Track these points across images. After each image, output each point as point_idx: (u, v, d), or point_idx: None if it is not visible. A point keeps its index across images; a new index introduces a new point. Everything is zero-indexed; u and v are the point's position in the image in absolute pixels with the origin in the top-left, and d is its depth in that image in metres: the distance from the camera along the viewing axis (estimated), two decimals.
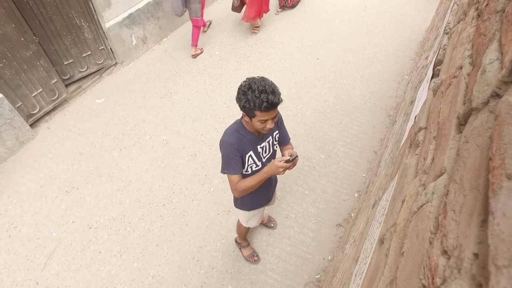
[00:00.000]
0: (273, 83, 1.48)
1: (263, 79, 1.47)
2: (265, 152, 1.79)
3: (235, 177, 1.67)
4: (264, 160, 1.79)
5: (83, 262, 2.60)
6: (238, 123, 1.70)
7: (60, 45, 3.64)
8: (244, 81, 1.48)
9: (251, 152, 1.71)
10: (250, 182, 1.64)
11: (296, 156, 1.58)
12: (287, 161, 1.55)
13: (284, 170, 1.57)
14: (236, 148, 1.63)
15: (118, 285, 2.49)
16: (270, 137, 1.78)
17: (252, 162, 1.74)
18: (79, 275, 2.54)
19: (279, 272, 2.56)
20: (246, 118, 1.57)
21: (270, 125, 1.52)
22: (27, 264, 2.58)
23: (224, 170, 1.68)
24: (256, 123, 1.52)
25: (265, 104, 1.40)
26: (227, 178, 1.75)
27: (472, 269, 0.40)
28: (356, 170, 3.24)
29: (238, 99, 1.50)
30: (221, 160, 1.70)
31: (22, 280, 2.50)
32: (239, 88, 1.49)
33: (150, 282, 2.50)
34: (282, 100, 1.48)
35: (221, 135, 1.70)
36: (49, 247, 2.68)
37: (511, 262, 0.32)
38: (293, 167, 1.61)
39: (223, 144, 1.65)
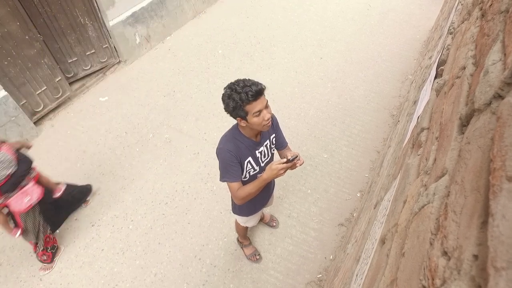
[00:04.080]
0: (251, 79, 1.49)
1: (239, 79, 1.49)
2: (264, 157, 1.78)
3: (235, 185, 1.65)
4: (262, 164, 1.78)
5: (86, 259, 2.62)
6: (234, 129, 1.68)
7: (64, 43, 3.66)
8: (224, 88, 1.51)
9: (249, 158, 1.69)
10: (250, 189, 1.61)
11: (297, 156, 1.55)
12: (287, 161, 1.53)
13: (285, 171, 1.55)
14: (234, 155, 1.60)
15: (120, 283, 2.50)
16: (268, 141, 1.76)
17: (251, 167, 1.72)
18: (81, 272, 2.55)
19: (281, 271, 2.57)
20: (242, 123, 1.55)
21: (266, 115, 1.51)
22: (31, 261, 2.60)
23: (224, 178, 1.66)
24: (253, 119, 1.49)
25: (250, 93, 1.42)
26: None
27: (472, 270, 0.40)
28: (358, 169, 3.24)
29: (227, 106, 1.50)
30: (219, 168, 1.68)
31: (26, 277, 2.52)
32: (223, 97, 1.51)
33: (152, 280, 2.51)
34: (265, 86, 1.49)
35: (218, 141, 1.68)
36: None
37: (510, 264, 0.32)
38: (294, 167, 1.58)
39: (220, 152, 1.63)
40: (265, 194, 2.04)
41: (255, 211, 2.11)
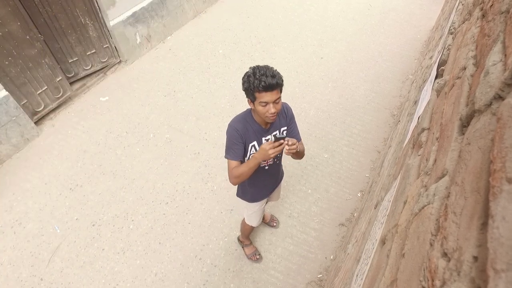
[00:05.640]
0: (276, 70, 1.54)
1: (266, 66, 1.54)
2: None
3: (233, 163, 1.70)
4: None
5: (87, 259, 2.62)
6: (247, 112, 1.73)
7: (65, 43, 3.66)
8: (250, 68, 1.56)
9: (254, 142, 1.72)
10: (243, 168, 1.65)
11: (285, 137, 1.55)
12: (275, 141, 1.54)
13: (275, 153, 1.55)
14: (239, 135, 1.66)
15: (121, 282, 2.50)
16: (277, 132, 1.78)
17: (254, 151, 1.75)
18: (82, 271, 2.56)
19: (281, 271, 2.57)
20: (251, 105, 1.61)
21: (272, 109, 1.53)
22: (31, 260, 2.61)
23: (226, 154, 1.72)
24: (258, 107, 1.54)
25: (262, 83, 1.46)
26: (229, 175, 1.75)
27: (471, 272, 0.40)
28: (359, 169, 3.23)
29: (243, 84, 1.57)
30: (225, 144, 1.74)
31: (27, 276, 2.53)
32: (244, 75, 1.57)
33: (153, 280, 2.51)
34: (282, 83, 1.53)
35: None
36: (53, 243, 2.70)
37: (509, 266, 0.32)
38: (292, 151, 1.57)
39: (228, 129, 1.69)
40: (269, 182, 2.05)
41: (257, 199, 2.09)
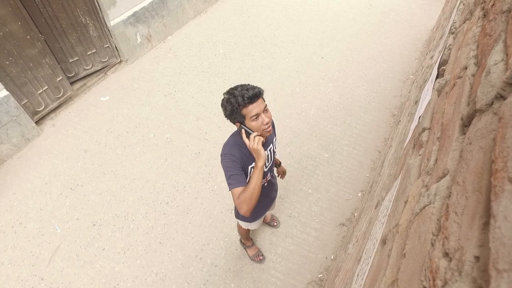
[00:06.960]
0: (250, 84, 1.51)
1: (239, 84, 1.51)
2: (267, 162, 1.76)
3: (239, 190, 1.55)
4: (265, 169, 1.77)
5: (87, 258, 2.62)
6: (236, 136, 1.65)
7: (66, 43, 3.67)
8: (223, 94, 1.52)
9: (253, 164, 1.65)
10: (250, 187, 1.50)
11: (243, 129, 1.54)
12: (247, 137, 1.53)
13: (260, 140, 1.50)
14: (238, 161, 1.58)
15: (121, 282, 2.50)
16: (271, 145, 1.75)
17: None
18: (83, 271, 2.56)
19: (282, 271, 2.57)
20: (241, 127, 1.53)
21: (265, 119, 1.49)
22: (32, 260, 2.61)
23: (230, 185, 1.58)
24: (251, 123, 1.48)
25: (246, 96, 1.42)
26: None
27: (473, 272, 0.40)
28: (359, 169, 3.23)
29: (225, 110, 1.51)
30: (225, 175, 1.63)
31: (27, 276, 2.53)
32: (222, 102, 1.52)
33: (153, 280, 2.52)
34: (262, 91, 1.50)
35: (224, 140, 1.67)
36: (54, 243, 2.70)
37: (511, 266, 0.32)
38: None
39: (225, 158, 1.59)
40: (267, 200, 2.03)
41: (256, 217, 2.08)
